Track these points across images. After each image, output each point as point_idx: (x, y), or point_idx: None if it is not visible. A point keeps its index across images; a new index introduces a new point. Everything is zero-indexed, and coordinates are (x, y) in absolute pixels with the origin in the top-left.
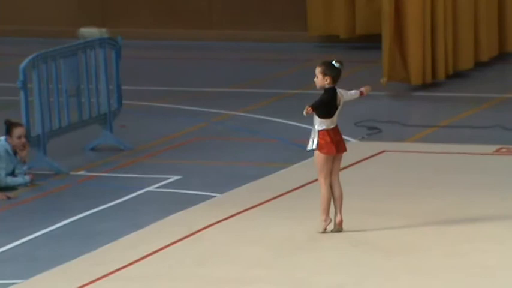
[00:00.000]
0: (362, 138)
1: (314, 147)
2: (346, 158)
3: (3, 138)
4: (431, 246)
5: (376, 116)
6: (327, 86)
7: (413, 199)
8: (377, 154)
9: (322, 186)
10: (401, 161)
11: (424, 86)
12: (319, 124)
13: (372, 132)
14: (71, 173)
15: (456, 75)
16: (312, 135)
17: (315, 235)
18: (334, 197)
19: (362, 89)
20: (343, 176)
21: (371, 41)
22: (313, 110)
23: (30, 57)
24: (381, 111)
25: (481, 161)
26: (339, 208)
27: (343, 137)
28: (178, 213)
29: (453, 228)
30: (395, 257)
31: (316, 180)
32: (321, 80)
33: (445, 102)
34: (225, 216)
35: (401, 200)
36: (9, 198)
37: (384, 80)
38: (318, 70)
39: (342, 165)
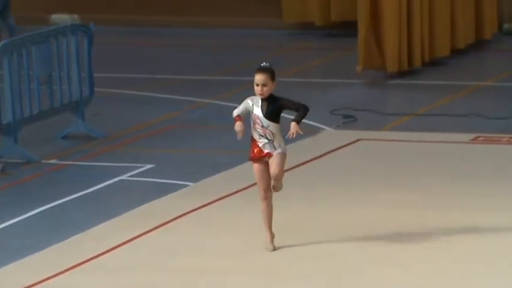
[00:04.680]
0: (337, 127)
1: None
2: (321, 146)
3: None
4: (407, 238)
5: (352, 104)
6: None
7: (389, 189)
8: (352, 143)
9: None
10: (376, 150)
11: (400, 74)
12: (279, 129)
13: (347, 120)
14: (43, 161)
15: (432, 62)
16: (279, 141)
17: (289, 223)
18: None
19: None
20: (318, 164)
21: (347, 28)
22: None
23: (0, 43)
24: (356, 99)
25: (457, 149)
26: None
27: (319, 124)
28: (151, 202)
29: (429, 218)
30: (368, 249)
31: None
32: (271, 87)
33: (421, 90)
34: (198, 206)
35: (376, 189)
36: None
37: (359, 67)
38: (264, 78)
39: (317, 154)
